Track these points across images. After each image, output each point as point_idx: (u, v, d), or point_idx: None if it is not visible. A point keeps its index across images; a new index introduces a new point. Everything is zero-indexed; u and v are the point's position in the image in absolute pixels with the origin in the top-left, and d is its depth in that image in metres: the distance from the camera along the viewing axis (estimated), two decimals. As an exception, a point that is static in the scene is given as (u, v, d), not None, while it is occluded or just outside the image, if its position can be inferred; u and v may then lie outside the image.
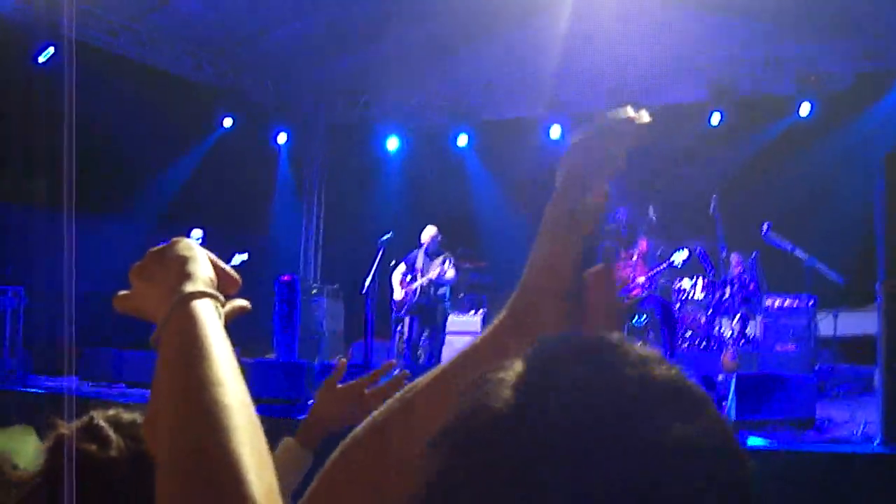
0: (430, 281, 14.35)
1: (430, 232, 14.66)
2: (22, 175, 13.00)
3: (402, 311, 14.65)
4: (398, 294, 14.64)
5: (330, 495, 1.41)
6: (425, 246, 14.61)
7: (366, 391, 2.72)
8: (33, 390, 12.39)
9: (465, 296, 16.68)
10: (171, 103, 16.81)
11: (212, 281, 1.46)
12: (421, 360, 15.09)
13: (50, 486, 1.88)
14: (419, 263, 14.55)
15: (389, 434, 1.46)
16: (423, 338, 14.88)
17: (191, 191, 17.50)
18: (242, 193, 18.30)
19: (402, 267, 14.69)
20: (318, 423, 2.86)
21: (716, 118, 16.54)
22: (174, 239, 1.51)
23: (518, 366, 1.04)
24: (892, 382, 8.03)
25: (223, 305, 1.46)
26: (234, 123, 17.97)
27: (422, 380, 1.50)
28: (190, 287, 1.40)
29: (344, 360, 2.96)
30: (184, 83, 17.24)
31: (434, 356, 14.74)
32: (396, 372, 2.80)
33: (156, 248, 1.50)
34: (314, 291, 17.35)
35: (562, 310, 1.44)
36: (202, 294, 1.41)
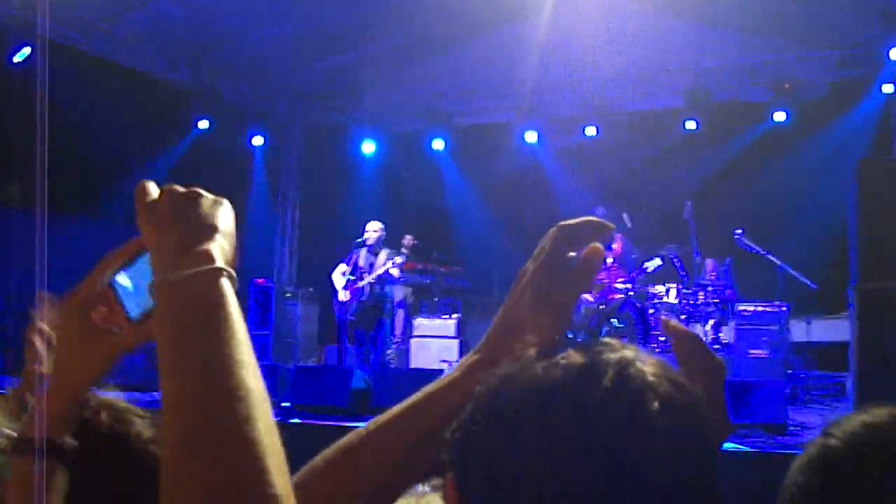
0: (378, 277, 14.20)
1: (374, 227, 14.43)
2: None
3: (349, 313, 14.40)
4: (343, 295, 14.37)
5: None
6: (370, 242, 14.39)
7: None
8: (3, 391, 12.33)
9: (440, 300, 16.67)
10: (147, 104, 16.73)
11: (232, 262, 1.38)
12: (393, 363, 15.10)
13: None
14: (362, 261, 14.29)
15: (357, 462, 1.47)
16: (369, 341, 14.73)
17: (166, 192, 17.36)
18: (217, 195, 18.25)
19: (342, 267, 14.45)
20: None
21: (691, 125, 16.59)
22: (217, 199, 1.44)
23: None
24: (864, 387, 8.06)
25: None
26: (209, 125, 17.88)
27: (386, 414, 1.50)
28: (221, 261, 1.33)
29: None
30: (160, 84, 17.14)
31: (384, 356, 14.75)
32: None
33: (196, 195, 1.43)
34: (288, 295, 17.32)
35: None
36: (229, 274, 1.34)
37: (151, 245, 1.38)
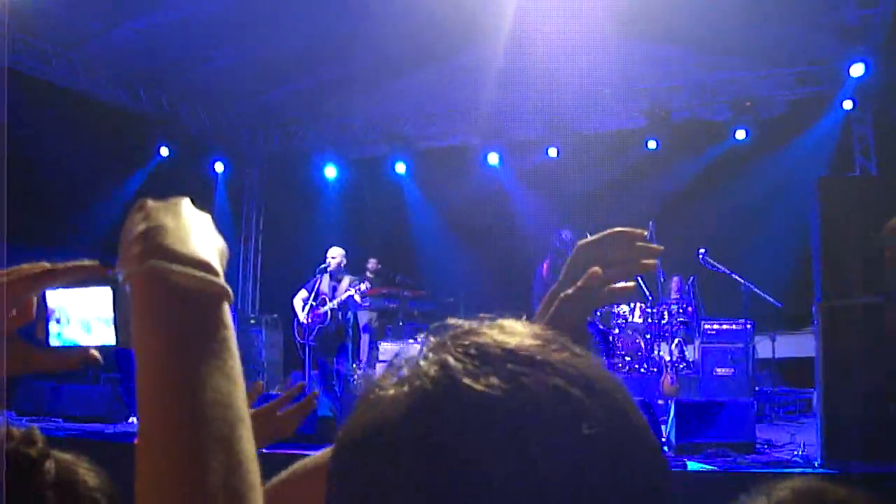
0: (341, 303, 14.12)
1: (335, 253, 14.37)
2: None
3: (308, 338, 14.31)
4: (303, 318, 14.29)
5: None
6: (331, 269, 14.32)
7: (278, 413, 2.66)
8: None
9: (405, 324, 16.64)
10: (107, 133, 16.63)
11: None
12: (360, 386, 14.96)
13: None
14: (324, 287, 14.24)
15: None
16: (332, 367, 14.63)
17: (127, 221, 17.23)
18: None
19: (302, 293, 14.38)
20: None
21: (652, 144, 16.69)
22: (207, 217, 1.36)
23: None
24: (830, 403, 8.09)
25: None
26: (170, 153, 17.81)
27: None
28: (222, 279, 1.23)
29: (260, 382, 2.89)
30: (120, 112, 17.03)
31: (348, 382, 14.62)
32: (307, 393, 2.74)
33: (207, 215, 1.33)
34: (252, 322, 17.24)
35: None
36: (230, 298, 1.23)
37: (145, 235, 1.23)
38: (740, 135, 16.27)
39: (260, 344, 16.95)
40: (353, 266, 14.85)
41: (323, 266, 14.18)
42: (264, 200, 20.80)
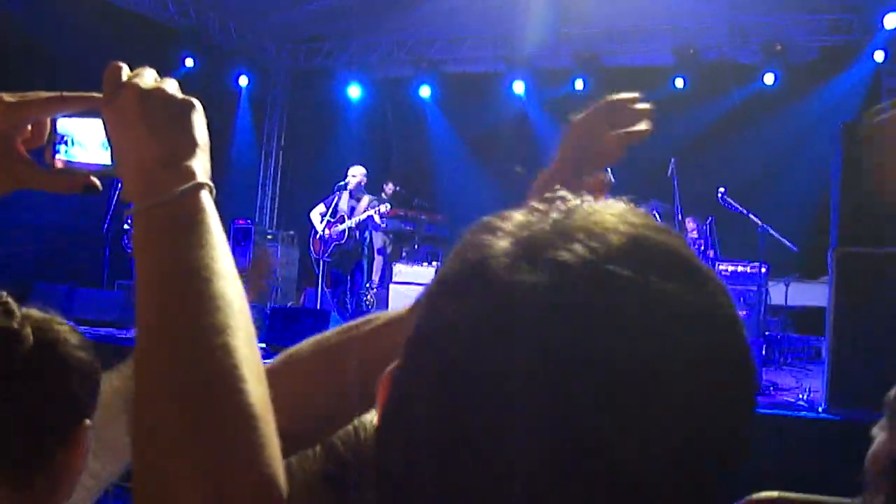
0: (359, 222, 14.17)
1: (356, 171, 14.39)
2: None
3: (323, 254, 14.39)
4: (321, 230, 14.33)
5: None
6: (351, 187, 14.35)
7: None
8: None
9: (420, 247, 16.67)
10: (133, 42, 16.55)
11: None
12: (371, 308, 15.06)
13: None
14: (343, 204, 14.28)
15: (342, 362, 1.44)
16: (346, 283, 14.72)
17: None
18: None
19: (320, 207, 14.44)
20: None
21: (679, 83, 16.57)
22: (190, 100, 1.34)
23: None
24: (838, 351, 8.10)
25: None
26: (195, 64, 17.74)
27: (384, 315, 1.48)
28: (204, 177, 1.22)
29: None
30: (146, 22, 16.95)
31: (361, 300, 14.71)
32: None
33: (171, 94, 1.33)
34: (269, 237, 17.29)
35: None
36: (210, 187, 1.23)
37: (121, 143, 1.29)
38: (769, 79, 16.15)
39: (275, 259, 16.99)
40: (371, 187, 14.88)
41: (342, 183, 14.21)
42: (287, 117, 20.80)
